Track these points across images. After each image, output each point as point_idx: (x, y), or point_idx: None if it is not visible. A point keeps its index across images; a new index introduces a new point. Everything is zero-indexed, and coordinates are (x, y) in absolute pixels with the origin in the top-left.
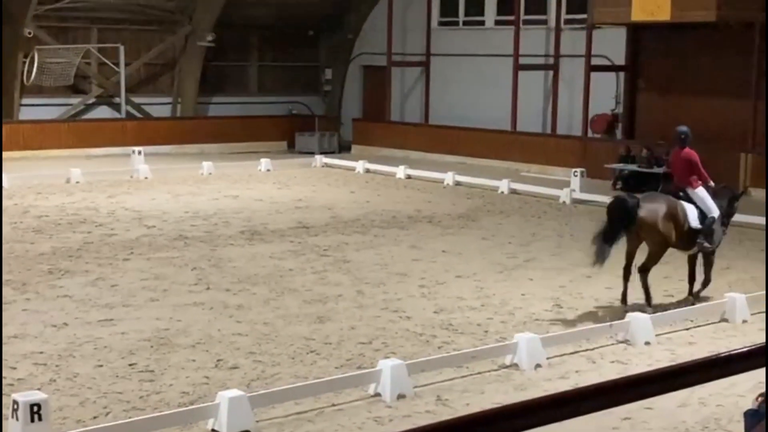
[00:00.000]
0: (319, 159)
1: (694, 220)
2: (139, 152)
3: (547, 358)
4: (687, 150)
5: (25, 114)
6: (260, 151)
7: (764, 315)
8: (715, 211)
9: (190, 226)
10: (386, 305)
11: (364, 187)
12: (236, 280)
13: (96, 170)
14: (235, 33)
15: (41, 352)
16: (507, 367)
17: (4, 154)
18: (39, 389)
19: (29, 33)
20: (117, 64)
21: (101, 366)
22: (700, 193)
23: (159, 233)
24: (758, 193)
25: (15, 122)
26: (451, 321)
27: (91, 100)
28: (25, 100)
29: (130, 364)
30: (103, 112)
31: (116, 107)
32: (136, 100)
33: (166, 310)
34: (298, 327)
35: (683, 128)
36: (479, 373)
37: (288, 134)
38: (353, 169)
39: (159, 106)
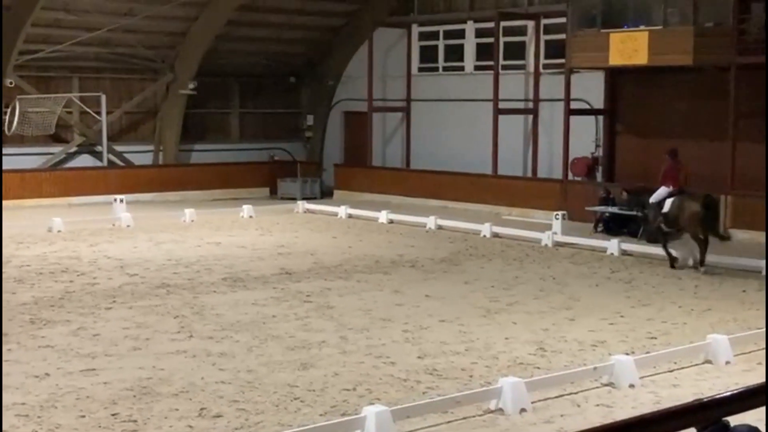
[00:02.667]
0: (301, 205)
1: None
2: (121, 200)
3: (532, 403)
4: (679, 160)
5: (6, 164)
6: (242, 197)
7: (748, 356)
8: None
9: (172, 273)
10: (370, 351)
11: (347, 232)
12: (219, 327)
13: (78, 219)
14: (216, 81)
15: (23, 403)
16: (492, 412)
17: None
18: None
19: (10, 83)
20: (98, 113)
21: (83, 416)
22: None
23: (141, 281)
24: (741, 235)
25: None
26: (436, 366)
27: (73, 149)
28: (6, 150)
29: (113, 414)
30: (84, 160)
31: (98, 156)
32: (118, 148)
33: (149, 359)
34: (282, 374)
35: (675, 147)
36: (464, 418)
37: (270, 180)
38: (335, 214)
39: (141, 154)
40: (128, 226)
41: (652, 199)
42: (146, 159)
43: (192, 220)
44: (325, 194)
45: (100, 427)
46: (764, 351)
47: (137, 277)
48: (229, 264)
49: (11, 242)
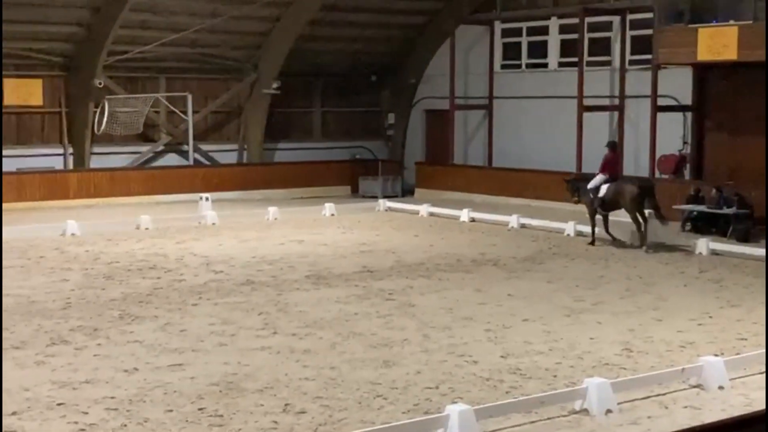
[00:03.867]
0: (383, 203)
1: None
2: (207, 198)
3: (618, 404)
4: (617, 152)
5: (95, 162)
6: (324, 196)
7: None
8: None
9: (256, 271)
10: (452, 349)
11: (428, 230)
12: (302, 324)
13: (165, 217)
14: (299, 80)
15: (113, 397)
16: (577, 412)
17: (77, 201)
18: None
19: (100, 83)
20: (185, 113)
21: (171, 411)
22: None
23: (226, 278)
24: None
25: (86, 170)
26: (519, 365)
27: (160, 148)
28: (96, 149)
29: (200, 409)
30: (171, 159)
31: (184, 155)
32: (204, 147)
33: (234, 355)
34: (364, 371)
35: (615, 139)
36: (549, 418)
37: (351, 179)
38: (417, 212)
39: (225, 153)
40: (213, 223)
41: (590, 185)
42: (231, 158)
43: (275, 218)
44: (407, 192)
45: (187, 421)
46: None
47: (222, 274)
48: (312, 262)
49: (101, 239)
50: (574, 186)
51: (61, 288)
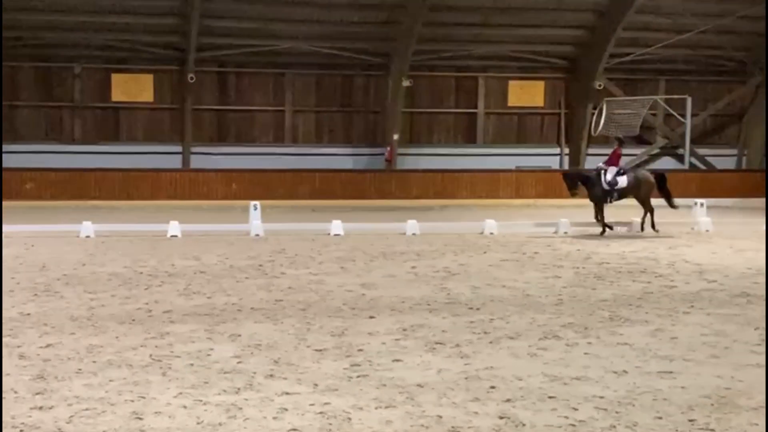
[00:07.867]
0: None
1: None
2: (702, 204)
3: None
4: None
5: (590, 164)
6: None
7: None
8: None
9: (753, 283)
10: None
11: None
12: None
13: (658, 220)
14: None
15: (601, 397)
16: None
17: (568, 200)
18: None
19: (599, 85)
20: (683, 116)
21: (660, 418)
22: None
23: (720, 288)
24: None
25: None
26: None
27: (655, 151)
28: (591, 150)
29: (690, 420)
30: (666, 162)
31: (679, 158)
32: (700, 151)
33: (727, 369)
34: None
35: (621, 137)
36: None
37: None
38: None
39: (723, 158)
40: (707, 230)
41: (608, 178)
42: (729, 163)
43: None
44: None
45: (676, 431)
46: None
47: (716, 283)
48: None
49: (591, 239)
50: (571, 180)
51: (554, 284)
